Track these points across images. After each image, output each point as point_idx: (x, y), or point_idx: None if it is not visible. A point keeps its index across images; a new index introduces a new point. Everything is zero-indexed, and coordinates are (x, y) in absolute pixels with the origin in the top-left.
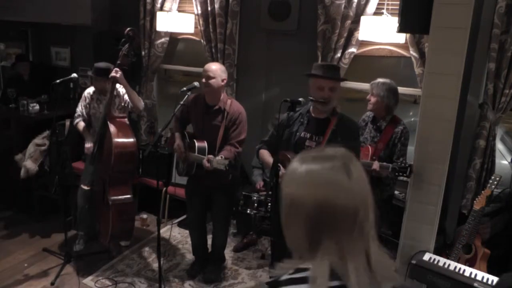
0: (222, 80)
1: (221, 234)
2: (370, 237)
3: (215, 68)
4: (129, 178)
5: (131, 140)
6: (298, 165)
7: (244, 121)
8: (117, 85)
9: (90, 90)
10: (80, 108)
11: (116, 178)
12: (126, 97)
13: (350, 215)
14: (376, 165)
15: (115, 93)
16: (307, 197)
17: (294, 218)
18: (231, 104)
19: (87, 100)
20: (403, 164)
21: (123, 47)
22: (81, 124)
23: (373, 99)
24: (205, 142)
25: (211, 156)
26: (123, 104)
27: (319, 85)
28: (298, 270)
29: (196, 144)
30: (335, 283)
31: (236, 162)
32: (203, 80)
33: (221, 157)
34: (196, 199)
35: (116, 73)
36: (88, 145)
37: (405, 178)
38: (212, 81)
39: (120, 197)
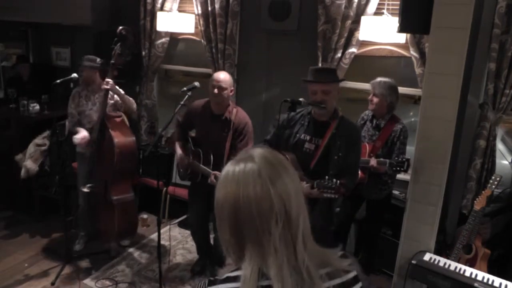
0: (231, 90)
1: None
2: (299, 235)
3: (227, 79)
4: (130, 177)
5: (131, 138)
6: (225, 168)
7: (250, 131)
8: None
9: (77, 89)
10: (70, 110)
11: (118, 177)
12: (116, 96)
13: (265, 216)
14: (373, 161)
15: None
16: (222, 197)
17: (220, 220)
18: (236, 113)
19: (76, 100)
20: (400, 159)
21: (115, 46)
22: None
23: (375, 99)
24: (211, 154)
25: (218, 173)
26: (112, 101)
27: (312, 89)
28: (238, 269)
29: (202, 156)
30: (266, 282)
31: None
32: (215, 90)
33: None
34: (198, 200)
35: (107, 84)
36: (82, 134)
37: (403, 174)
38: (224, 92)
39: (123, 196)
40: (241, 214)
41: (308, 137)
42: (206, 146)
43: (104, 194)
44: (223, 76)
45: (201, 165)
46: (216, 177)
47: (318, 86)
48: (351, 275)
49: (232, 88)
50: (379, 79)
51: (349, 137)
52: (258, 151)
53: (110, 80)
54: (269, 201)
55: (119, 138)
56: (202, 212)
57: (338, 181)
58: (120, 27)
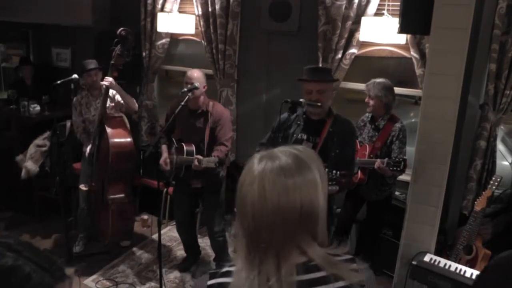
0: (204, 87)
1: (217, 235)
2: (294, 243)
3: (197, 76)
4: (128, 177)
5: (128, 139)
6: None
7: (228, 121)
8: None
9: (77, 97)
10: (74, 119)
11: (114, 177)
12: (117, 97)
13: (271, 221)
14: (379, 162)
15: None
16: (239, 193)
17: (238, 211)
18: (213, 106)
19: (78, 108)
20: (397, 159)
21: (116, 47)
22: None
23: (371, 102)
24: (193, 145)
25: (199, 156)
26: (113, 104)
27: (307, 89)
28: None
29: (185, 147)
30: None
31: (225, 160)
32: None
33: (213, 156)
34: (184, 200)
35: (106, 81)
36: (87, 148)
37: (403, 175)
38: (195, 90)
39: (118, 196)
40: (255, 217)
41: (305, 136)
42: (187, 140)
43: (102, 194)
44: (194, 74)
45: (184, 157)
46: (199, 161)
47: (314, 86)
48: (341, 283)
49: (205, 85)
50: (373, 80)
51: (344, 134)
52: (282, 156)
53: (109, 78)
54: (277, 208)
55: (115, 138)
56: (188, 210)
57: (338, 172)
58: (120, 28)
